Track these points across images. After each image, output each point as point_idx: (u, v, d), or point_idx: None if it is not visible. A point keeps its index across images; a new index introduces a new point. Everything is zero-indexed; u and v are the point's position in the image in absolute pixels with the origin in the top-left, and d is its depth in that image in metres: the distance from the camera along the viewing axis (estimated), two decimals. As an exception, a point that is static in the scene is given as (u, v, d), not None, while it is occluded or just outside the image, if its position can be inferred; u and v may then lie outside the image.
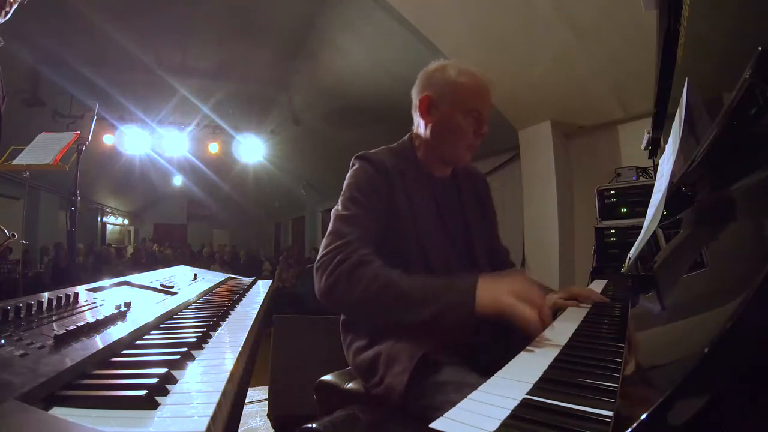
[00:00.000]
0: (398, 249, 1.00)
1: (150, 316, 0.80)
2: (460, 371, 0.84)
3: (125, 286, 1.10)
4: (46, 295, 0.77)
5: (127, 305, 0.83)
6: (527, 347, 0.69)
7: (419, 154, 1.11)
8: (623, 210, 2.59)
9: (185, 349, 0.62)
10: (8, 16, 1.35)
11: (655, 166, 2.19)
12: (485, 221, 1.20)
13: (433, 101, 1.05)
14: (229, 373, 0.54)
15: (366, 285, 0.83)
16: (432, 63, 1.10)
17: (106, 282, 1.06)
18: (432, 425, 0.42)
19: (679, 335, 0.52)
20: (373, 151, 1.07)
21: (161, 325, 0.81)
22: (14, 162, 2.54)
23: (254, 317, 0.95)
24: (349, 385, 1.08)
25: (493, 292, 0.77)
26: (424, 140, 1.09)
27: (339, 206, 1.00)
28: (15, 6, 1.36)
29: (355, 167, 1.04)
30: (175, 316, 0.90)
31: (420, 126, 1.10)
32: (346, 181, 1.03)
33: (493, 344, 1.01)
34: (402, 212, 1.01)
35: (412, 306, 0.80)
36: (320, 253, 0.92)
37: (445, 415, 0.44)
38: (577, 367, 0.57)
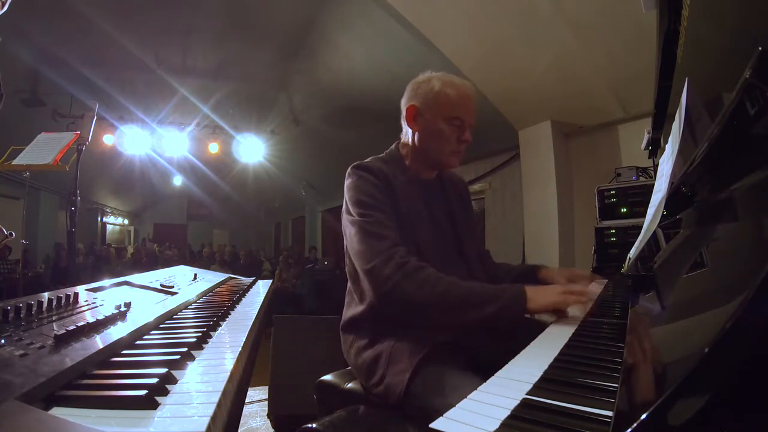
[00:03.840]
0: None
1: (150, 316, 0.80)
2: (460, 372, 0.84)
3: (125, 286, 1.10)
4: (46, 295, 0.77)
5: (127, 305, 0.83)
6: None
7: (407, 161, 1.17)
8: (623, 210, 2.59)
9: (185, 349, 0.62)
10: (5, 8, 1.35)
11: (655, 166, 2.18)
12: (469, 220, 1.27)
13: (419, 110, 1.11)
14: (229, 373, 0.54)
15: (432, 287, 0.89)
16: (420, 75, 1.15)
17: (106, 282, 1.06)
18: (432, 425, 0.42)
19: (679, 335, 0.52)
20: (366, 161, 1.12)
21: (161, 325, 0.81)
22: (14, 162, 2.54)
23: (254, 317, 0.95)
24: (349, 385, 1.08)
25: (542, 293, 0.89)
26: (411, 147, 1.16)
27: (355, 216, 1.02)
28: None
29: (354, 178, 1.07)
30: (175, 316, 0.90)
31: (408, 134, 1.16)
32: (349, 192, 1.06)
33: (493, 344, 1.01)
34: (399, 214, 1.06)
35: (474, 306, 0.88)
36: (368, 257, 0.95)
37: (445, 415, 0.45)
38: (577, 367, 0.57)
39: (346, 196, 1.07)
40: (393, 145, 1.20)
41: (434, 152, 1.13)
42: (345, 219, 1.06)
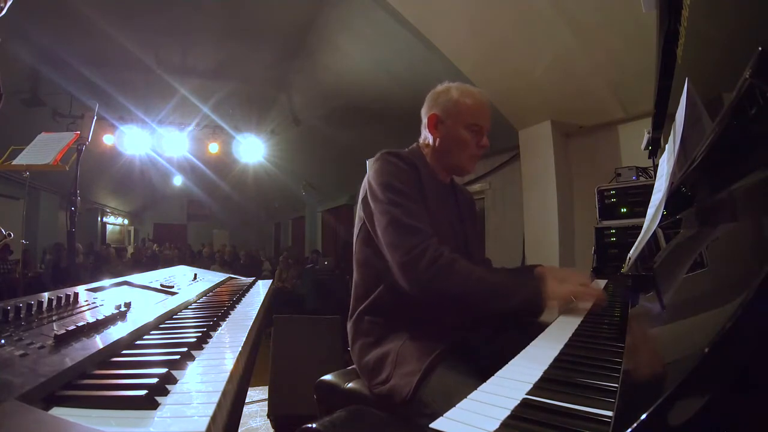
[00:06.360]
0: None
1: (150, 316, 0.80)
2: (469, 380, 0.84)
3: (125, 286, 1.10)
4: (46, 295, 0.77)
5: (127, 305, 0.83)
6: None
7: (428, 161, 1.21)
8: (623, 210, 2.59)
9: (185, 349, 0.62)
10: (4, 12, 1.34)
11: (655, 166, 2.18)
12: (476, 230, 1.33)
13: (440, 119, 1.18)
14: (229, 373, 0.54)
15: (464, 279, 0.95)
16: (438, 86, 1.22)
17: (106, 282, 1.06)
18: (432, 425, 0.42)
19: (679, 335, 0.52)
20: (395, 149, 1.15)
21: (161, 325, 0.81)
22: (14, 162, 2.54)
23: (254, 317, 0.95)
24: (349, 385, 1.08)
25: (556, 286, 0.98)
26: (431, 151, 1.21)
27: (386, 202, 1.02)
28: (10, 2, 1.35)
29: (385, 162, 1.08)
30: (175, 316, 0.90)
31: (428, 140, 1.21)
32: (378, 176, 1.06)
33: (493, 344, 1.02)
34: (423, 200, 1.09)
35: (501, 297, 0.95)
36: (401, 249, 0.97)
37: (445, 415, 0.45)
38: (577, 367, 0.57)
39: (373, 179, 1.07)
40: (414, 145, 1.24)
41: (455, 157, 1.18)
42: (373, 203, 1.05)
